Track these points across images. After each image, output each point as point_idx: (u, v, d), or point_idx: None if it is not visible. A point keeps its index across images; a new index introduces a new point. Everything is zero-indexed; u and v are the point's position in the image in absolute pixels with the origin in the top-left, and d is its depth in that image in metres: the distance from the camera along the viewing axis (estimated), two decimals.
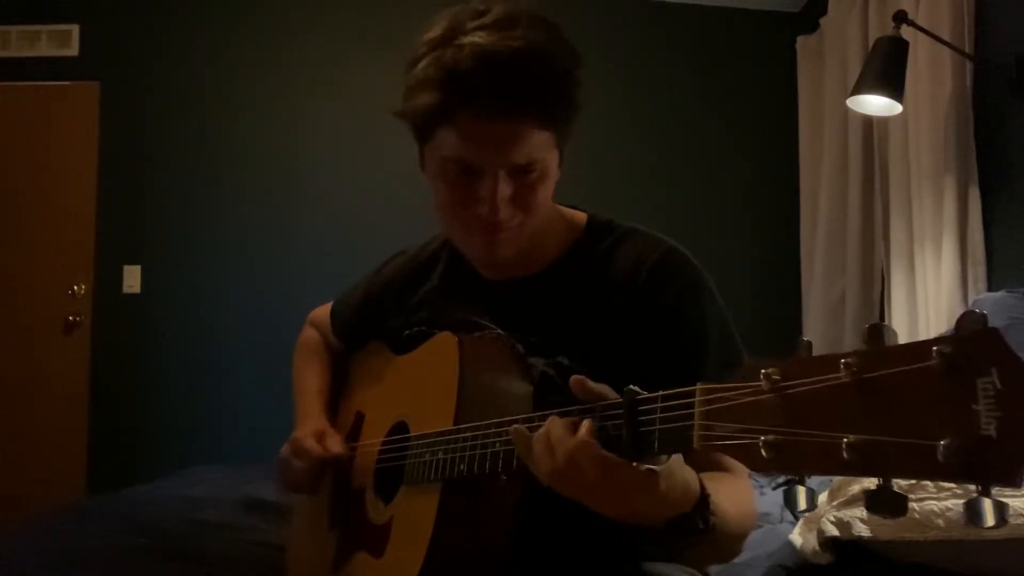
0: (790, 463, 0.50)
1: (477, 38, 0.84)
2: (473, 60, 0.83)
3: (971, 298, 2.44)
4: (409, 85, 0.91)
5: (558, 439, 0.66)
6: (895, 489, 0.45)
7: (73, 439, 3.47)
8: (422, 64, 0.89)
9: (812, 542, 1.22)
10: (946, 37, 2.44)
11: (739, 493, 0.83)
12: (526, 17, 0.86)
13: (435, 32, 0.89)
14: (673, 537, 0.72)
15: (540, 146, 0.89)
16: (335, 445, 1.08)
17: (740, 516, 0.79)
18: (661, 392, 0.61)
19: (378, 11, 3.71)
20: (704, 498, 0.71)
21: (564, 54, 0.88)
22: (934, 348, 0.42)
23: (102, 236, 3.60)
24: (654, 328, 0.92)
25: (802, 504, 0.50)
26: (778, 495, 1.85)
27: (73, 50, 3.65)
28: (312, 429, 1.11)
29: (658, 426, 0.61)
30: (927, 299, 2.67)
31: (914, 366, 0.43)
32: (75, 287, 3.55)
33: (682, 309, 0.93)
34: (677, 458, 0.67)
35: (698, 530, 0.70)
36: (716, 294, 0.97)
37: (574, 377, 0.68)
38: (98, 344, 3.56)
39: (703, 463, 0.83)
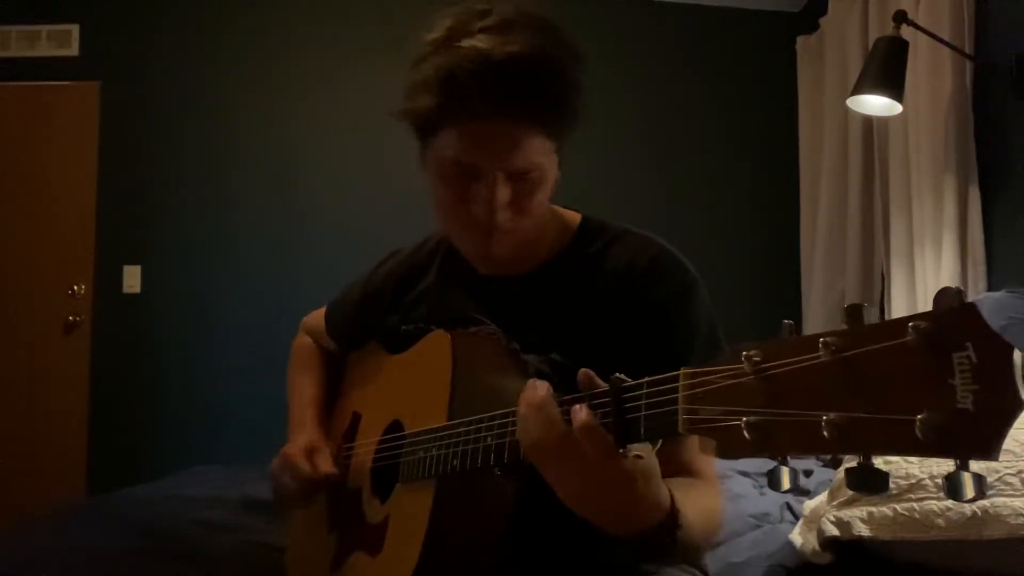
0: (771, 444, 0.50)
1: (477, 42, 0.84)
2: (471, 64, 0.83)
3: (971, 298, 2.43)
4: (409, 86, 0.91)
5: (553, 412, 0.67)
6: (875, 466, 0.45)
7: (73, 439, 3.47)
8: (422, 66, 0.88)
9: (812, 542, 1.21)
10: (946, 37, 2.44)
11: (708, 504, 0.85)
12: (527, 19, 0.86)
13: (437, 33, 0.88)
14: (637, 550, 0.73)
15: (539, 151, 0.89)
16: (325, 463, 1.05)
17: (706, 529, 0.82)
18: (646, 379, 0.62)
19: (379, 11, 3.71)
20: (674, 515, 0.71)
21: (565, 59, 0.87)
22: (910, 324, 0.42)
23: (102, 236, 3.60)
24: (643, 327, 0.93)
25: (785, 484, 0.50)
26: (778, 495, 1.85)
27: (73, 50, 3.65)
28: (304, 443, 1.08)
29: (643, 412, 0.61)
30: (927, 299, 2.67)
31: (891, 343, 0.43)
32: (75, 287, 3.55)
33: (671, 309, 0.94)
34: (654, 467, 0.67)
35: (665, 545, 0.71)
36: (706, 297, 0.97)
37: (582, 370, 0.68)
38: (98, 344, 3.56)
39: (678, 466, 0.83)
